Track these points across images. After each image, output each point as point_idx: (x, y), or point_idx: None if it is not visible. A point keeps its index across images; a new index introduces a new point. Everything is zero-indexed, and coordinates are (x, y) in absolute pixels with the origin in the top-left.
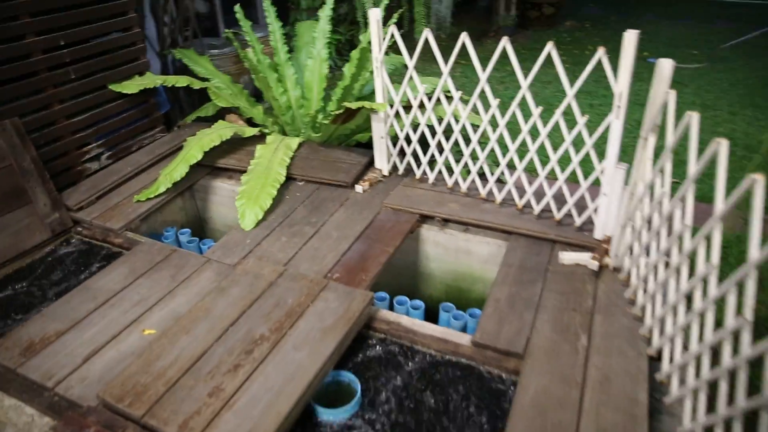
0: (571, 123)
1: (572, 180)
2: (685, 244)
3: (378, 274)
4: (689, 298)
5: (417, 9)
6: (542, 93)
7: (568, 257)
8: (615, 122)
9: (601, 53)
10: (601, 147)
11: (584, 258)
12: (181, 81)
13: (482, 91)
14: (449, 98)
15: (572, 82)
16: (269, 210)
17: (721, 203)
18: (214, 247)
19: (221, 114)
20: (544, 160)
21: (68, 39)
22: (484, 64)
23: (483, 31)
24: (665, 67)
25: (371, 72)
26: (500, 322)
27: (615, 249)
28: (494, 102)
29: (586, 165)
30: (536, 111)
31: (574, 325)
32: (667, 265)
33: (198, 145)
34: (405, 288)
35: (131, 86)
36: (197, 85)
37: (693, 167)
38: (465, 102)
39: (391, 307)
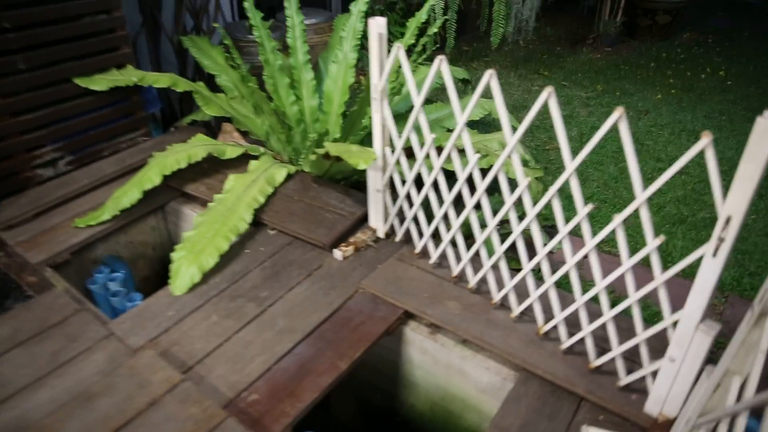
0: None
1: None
2: None
3: (312, 405)
4: None
5: (497, 8)
6: (633, 127)
7: None
8: (709, 261)
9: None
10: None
11: None
12: (162, 81)
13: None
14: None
15: (670, 116)
16: (216, 268)
17: None
18: (125, 315)
19: (221, 120)
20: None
21: (15, 21)
22: (572, 78)
23: (580, 37)
24: None
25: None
26: None
27: None
28: (523, 181)
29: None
30: (583, 210)
31: None
32: None
33: (158, 166)
34: (381, 390)
35: (101, 82)
36: (181, 87)
37: None
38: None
39: None
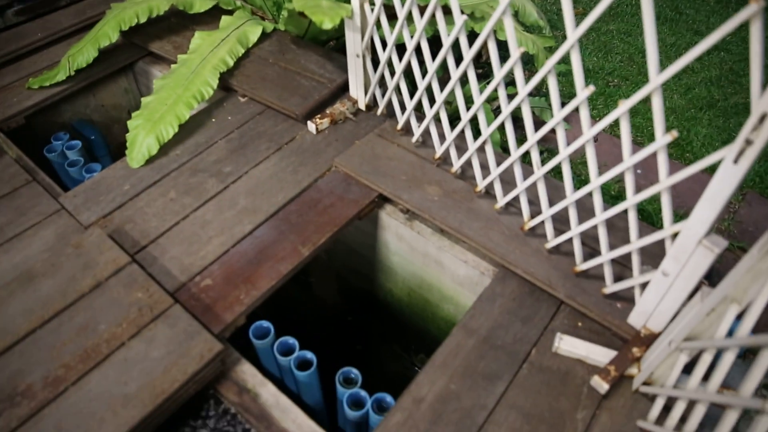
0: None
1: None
2: None
3: (268, 293)
4: None
5: None
6: None
7: (569, 345)
8: (728, 168)
9: None
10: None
11: (595, 356)
12: None
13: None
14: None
15: None
16: (177, 138)
17: None
18: (78, 188)
19: None
20: (583, 173)
21: None
22: None
23: None
24: None
25: None
26: None
27: (652, 361)
28: (515, 52)
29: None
30: (582, 92)
31: None
32: None
33: (115, 20)
34: (359, 273)
35: None
36: None
37: None
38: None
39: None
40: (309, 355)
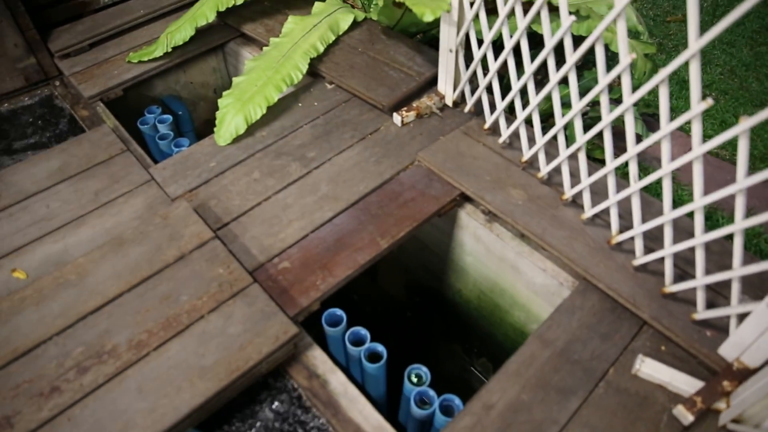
0: None
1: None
2: None
3: (344, 281)
4: None
5: None
6: None
7: (651, 369)
8: None
9: None
10: None
11: (678, 383)
12: None
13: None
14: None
15: None
16: (264, 120)
17: None
18: (167, 161)
19: None
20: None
21: None
22: None
23: None
24: None
25: None
26: None
27: (746, 398)
28: (625, 58)
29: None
30: (698, 106)
31: None
32: None
33: (213, 1)
34: (428, 270)
35: None
36: None
37: None
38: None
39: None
40: (380, 347)
